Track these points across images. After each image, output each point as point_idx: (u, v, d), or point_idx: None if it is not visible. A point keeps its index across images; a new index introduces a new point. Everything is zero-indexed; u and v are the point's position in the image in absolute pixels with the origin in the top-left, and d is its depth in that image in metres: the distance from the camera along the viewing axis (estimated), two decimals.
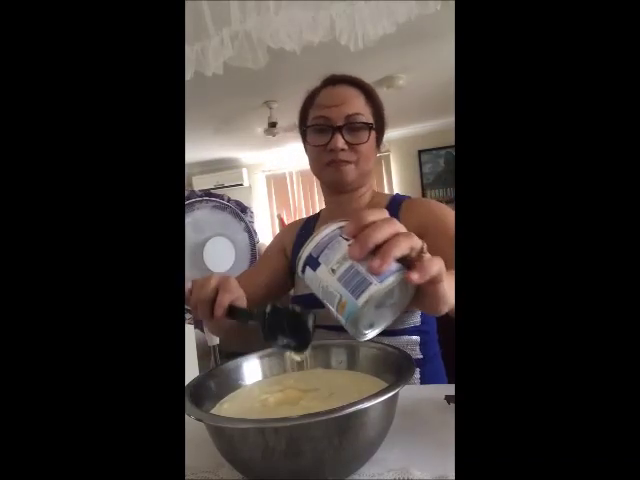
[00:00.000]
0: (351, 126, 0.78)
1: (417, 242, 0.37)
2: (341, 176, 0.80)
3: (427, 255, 0.38)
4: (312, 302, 0.78)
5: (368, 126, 0.79)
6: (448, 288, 0.40)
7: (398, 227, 0.37)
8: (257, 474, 0.41)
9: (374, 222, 0.36)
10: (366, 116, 0.80)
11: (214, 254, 1.12)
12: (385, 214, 0.38)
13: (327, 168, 0.81)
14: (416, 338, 0.76)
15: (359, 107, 0.79)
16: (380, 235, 0.35)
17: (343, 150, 0.78)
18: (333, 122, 0.78)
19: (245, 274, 0.94)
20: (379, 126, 0.84)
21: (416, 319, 0.77)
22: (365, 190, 0.87)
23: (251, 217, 1.17)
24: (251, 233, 1.17)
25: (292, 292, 0.93)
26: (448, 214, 0.75)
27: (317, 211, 0.99)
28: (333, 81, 0.83)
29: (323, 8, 1.32)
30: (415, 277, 0.35)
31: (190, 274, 1.08)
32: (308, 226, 0.94)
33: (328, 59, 1.84)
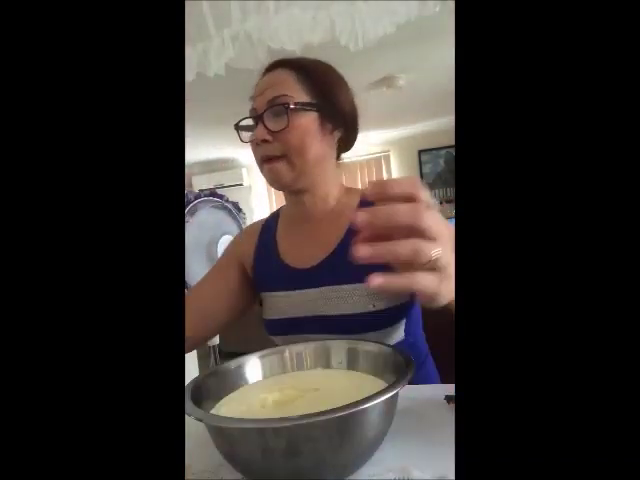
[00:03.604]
0: (271, 111, 0.66)
1: None
2: (274, 177, 0.69)
3: None
4: (286, 327, 0.75)
5: (284, 107, 0.65)
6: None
7: None
8: (257, 474, 0.40)
9: None
10: (296, 96, 0.67)
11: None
12: None
13: (262, 167, 0.70)
14: None
15: (286, 88, 0.67)
16: None
17: (266, 142, 0.67)
18: (257, 112, 0.68)
19: (197, 301, 0.79)
20: (325, 106, 0.69)
21: (400, 334, 0.70)
22: (323, 194, 0.74)
23: (243, 219, 1.19)
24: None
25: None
26: None
27: None
28: (268, 68, 0.74)
29: (323, 8, 1.32)
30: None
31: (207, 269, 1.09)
32: (269, 232, 0.83)
33: (328, 59, 1.83)
